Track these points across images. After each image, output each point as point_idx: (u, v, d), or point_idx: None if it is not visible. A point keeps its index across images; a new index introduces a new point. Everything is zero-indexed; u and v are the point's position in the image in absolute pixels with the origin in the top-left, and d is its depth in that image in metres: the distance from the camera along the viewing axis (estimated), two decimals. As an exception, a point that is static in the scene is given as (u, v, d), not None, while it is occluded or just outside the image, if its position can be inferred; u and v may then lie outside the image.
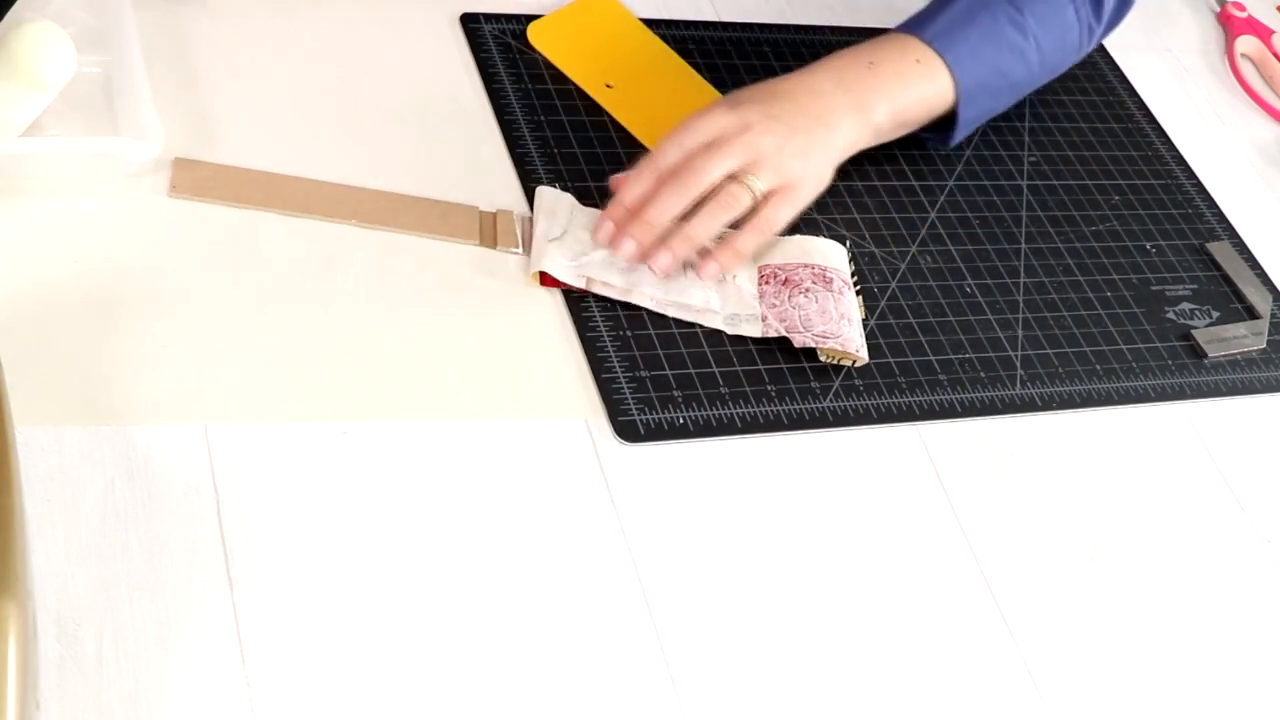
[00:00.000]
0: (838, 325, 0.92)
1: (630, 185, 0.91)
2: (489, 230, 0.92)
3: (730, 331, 0.91)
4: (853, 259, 0.98)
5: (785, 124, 0.92)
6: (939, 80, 1.00)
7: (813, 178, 0.94)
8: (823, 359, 0.92)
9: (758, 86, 0.96)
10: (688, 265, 0.92)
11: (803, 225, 0.99)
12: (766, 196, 0.91)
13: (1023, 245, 1.05)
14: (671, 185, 0.90)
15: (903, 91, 0.99)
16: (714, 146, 0.90)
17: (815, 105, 0.95)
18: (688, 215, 0.90)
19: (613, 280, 0.91)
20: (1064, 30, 1.06)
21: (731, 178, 0.90)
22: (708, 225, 0.90)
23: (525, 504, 0.80)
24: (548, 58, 1.04)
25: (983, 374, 0.95)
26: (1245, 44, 1.31)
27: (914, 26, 1.02)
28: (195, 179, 0.88)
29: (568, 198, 0.94)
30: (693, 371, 0.89)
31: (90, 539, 0.72)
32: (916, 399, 0.92)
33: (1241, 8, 1.34)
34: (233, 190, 0.89)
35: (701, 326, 0.91)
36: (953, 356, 0.96)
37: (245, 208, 0.88)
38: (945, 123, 1.04)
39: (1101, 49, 1.25)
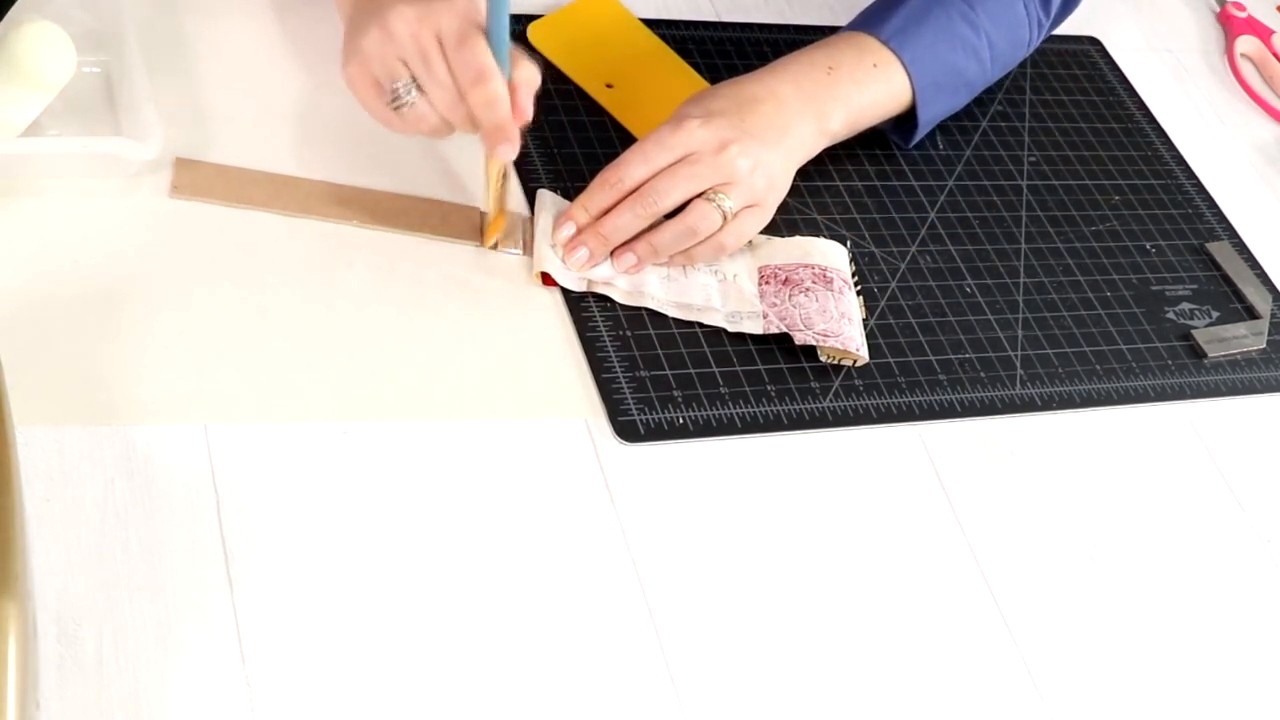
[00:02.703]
0: (838, 324, 0.92)
1: (593, 195, 0.91)
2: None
3: (732, 329, 0.91)
4: (853, 259, 0.98)
5: (757, 139, 0.92)
6: (895, 82, 1.01)
7: (778, 191, 0.95)
8: (823, 358, 0.92)
9: (727, 90, 0.96)
10: (675, 263, 0.93)
11: (803, 225, 0.99)
12: (736, 213, 0.91)
13: (1023, 245, 1.05)
14: (630, 206, 0.90)
15: (859, 96, 1.00)
16: (687, 163, 0.90)
17: (780, 116, 0.95)
18: (655, 224, 0.91)
19: (615, 282, 0.91)
20: (1015, 26, 1.07)
21: (701, 194, 0.90)
22: (675, 244, 0.91)
23: (525, 504, 0.80)
24: (548, 58, 1.04)
25: (983, 374, 0.95)
26: (1245, 44, 1.31)
27: (870, 25, 1.02)
28: (196, 179, 0.88)
29: (566, 203, 0.94)
30: (693, 371, 0.89)
31: (90, 539, 0.72)
32: (916, 399, 0.92)
33: (1241, 8, 1.33)
34: (233, 190, 0.89)
35: (702, 326, 0.91)
36: (953, 356, 0.96)
37: (245, 208, 0.88)
38: (904, 119, 1.05)
39: (1101, 49, 1.25)
